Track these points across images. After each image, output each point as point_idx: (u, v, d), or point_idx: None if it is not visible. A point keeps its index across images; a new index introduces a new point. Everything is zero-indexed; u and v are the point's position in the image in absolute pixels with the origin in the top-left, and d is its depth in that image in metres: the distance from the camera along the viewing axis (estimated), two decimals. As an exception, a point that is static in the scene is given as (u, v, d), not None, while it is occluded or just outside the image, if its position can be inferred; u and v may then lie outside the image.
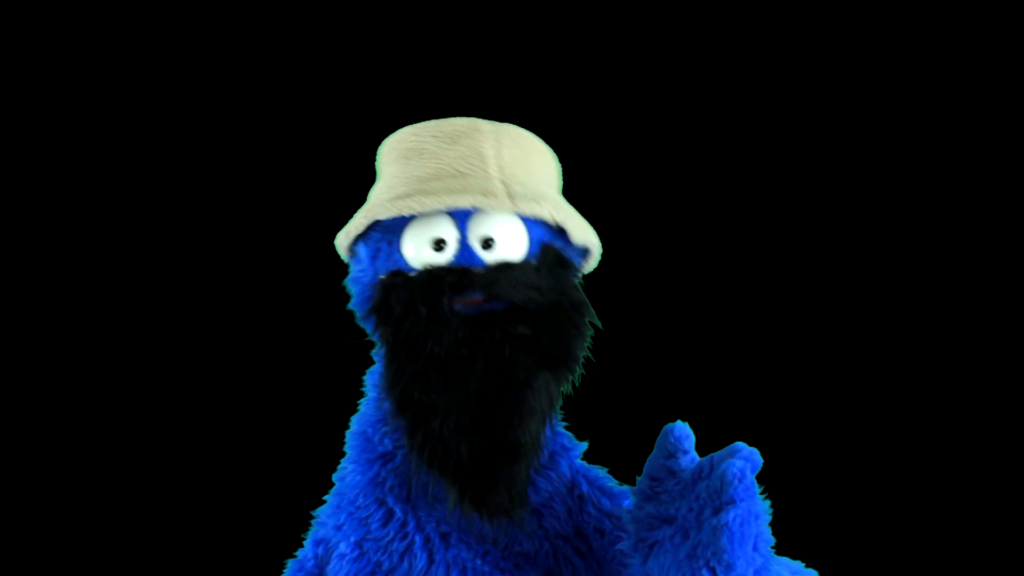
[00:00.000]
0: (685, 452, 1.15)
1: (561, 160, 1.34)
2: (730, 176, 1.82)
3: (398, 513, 1.23)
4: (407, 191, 1.21)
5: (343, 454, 1.30)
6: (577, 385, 1.23)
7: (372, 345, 1.28)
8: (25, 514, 1.78)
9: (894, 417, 1.78)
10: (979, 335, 1.77)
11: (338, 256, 1.32)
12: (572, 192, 1.34)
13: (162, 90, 1.82)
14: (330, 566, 1.27)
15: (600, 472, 1.29)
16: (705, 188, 1.81)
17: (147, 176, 1.83)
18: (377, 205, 1.23)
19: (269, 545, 1.45)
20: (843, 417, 1.78)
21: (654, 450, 1.17)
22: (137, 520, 1.78)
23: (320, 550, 1.29)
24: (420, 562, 1.21)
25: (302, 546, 1.32)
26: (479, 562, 1.22)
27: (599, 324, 1.24)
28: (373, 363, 1.28)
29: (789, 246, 1.80)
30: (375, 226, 1.25)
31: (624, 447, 1.32)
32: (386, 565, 1.23)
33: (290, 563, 1.32)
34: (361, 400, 1.29)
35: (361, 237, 1.26)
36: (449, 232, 1.21)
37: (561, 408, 1.24)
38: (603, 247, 1.31)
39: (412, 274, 1.21)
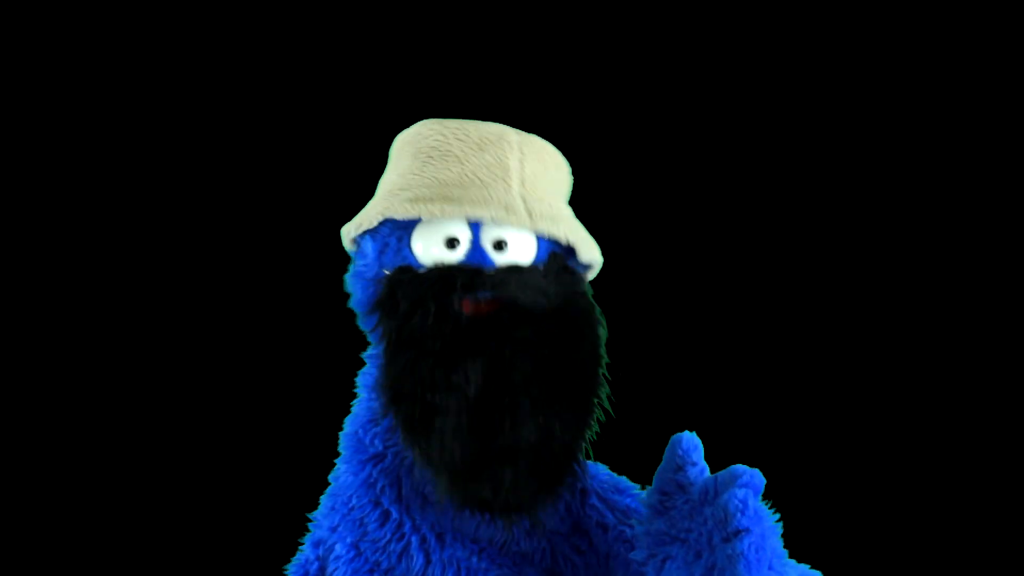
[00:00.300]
0: (694, 464, 1.14)
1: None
2: (734, 181, 1.82)
3: (394, 514, 1.23)
4: (428, 194, 1.21)
5: (338, 455, 1.29)
6: (608, 391, 1.23)
7: (364, 347, 1.28)
8: (20, 514, 1.78)
9: (900, 420, 1.77)
10: (981, 337, 1.77)
11: (331, 259, 1.32)
12: (575, 197, 1.35)
13: (165, 85, 1.83)
14: (328, 568, 1.26)
15: (602, 467, 1.28)
16: (707, 193, 1.82)
17: (144, 175, 1.83)
18: (395, 203, 1.22)
19: (264, 546, 1.46)
20: (848, 421, 1.78)
21: (663, 462, 1.17)
22: (132, 521, 1.78)
23: (320, 551, 1.29)
24: (417, 562, 1.22)
25: (299, 548, 1.31)
26: (475, 560, 1.22)
27: (606, 331, 1.25)
28: (366, 365, 1.28)
29: (794, 252, 1.80)
30: (386, 221, 1.24)
31: (627, 449, 1.32)
32: (384, 565, 1.23)
33: (291, 568, 1.31)
34: (354, 402, 1.29)
35: (370, 231, 1.26)
36: (463, 233, 1.22)
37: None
38: (605, 247, 1.31)
39: (421, 271, 1.21)
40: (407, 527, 1.22)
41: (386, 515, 1.23)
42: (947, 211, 1.78)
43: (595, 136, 1.79)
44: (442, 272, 1.20)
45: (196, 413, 1.80)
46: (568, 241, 1.24)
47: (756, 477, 1.08)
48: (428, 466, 1.18)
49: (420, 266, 1.22)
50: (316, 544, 1.29)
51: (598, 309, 1.26)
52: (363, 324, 1.26)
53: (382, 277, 1.23)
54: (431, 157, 1.24)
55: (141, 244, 1.81)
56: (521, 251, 1.23)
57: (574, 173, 1.34)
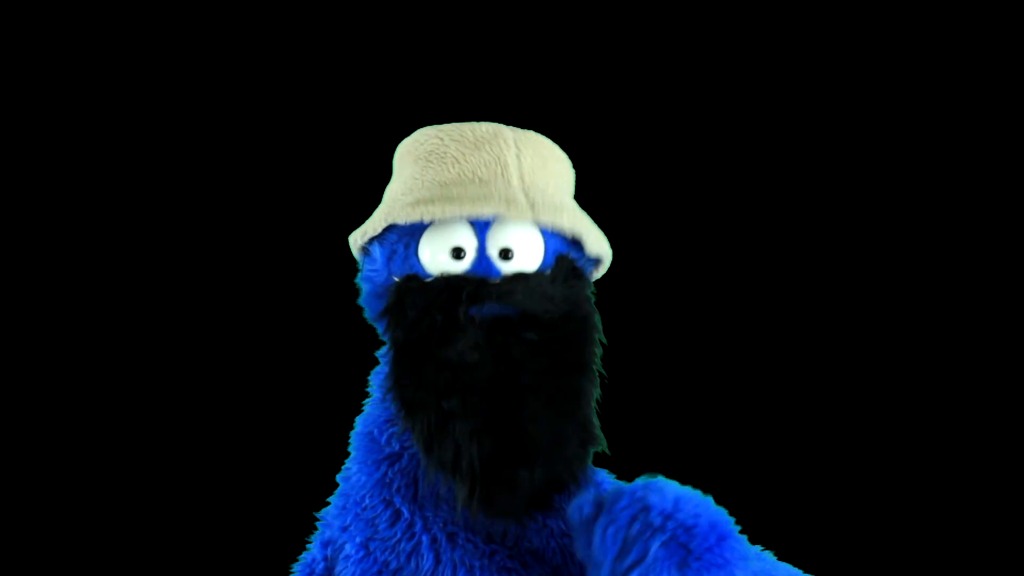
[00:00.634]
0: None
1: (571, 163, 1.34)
2: (740, 182, 1.82)
3: (405, 514, 1.23)
4: (429, 196, 1.22)
5: (346, 455, 1.29)
6: (597, 397, 1.24)
7: (378, 345, 1.28)
8: (30, 515, 1.77)
9: (902, 424, 1.78)
10: (981, 338, 1.78)
11: (344, 258, 1.32)
12: (581, 196, 1.35)
13: (170, 88, 1.82)
14: (337, 568, 1.26)
15: (605, 474, 1.28)
16: (715, 193, 1.82)
17: (151, 177, 1.83)
18: (397, 208, 1.23)
19: (271, 545, 1.45)
20: (850, 425, 1.78)
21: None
22: (139, 518, 1.78)
23: (329, 551, 1.29)
24: (427, 562, 1.21)
25: (305, 548, 1.32)
26: (486, 562, 1.21)
27: (604, 340, 1.26)
28: (378, 364, 1.28)
29: (796, 253, 1.81)
30: (392, 228, 1.25)
31: (629, 452, 1.32)
32: (393, 565, 1.23)
33: (296, 567, 1.31)
34: (365, 401, 1.29)
35: (376, 238, 1.26)
36: (468, 241, 1.22)
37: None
38: (613, 250, 1.31)
39: (428, 280, 1.22)
40: (418, 527, 1.22)
41: (397, 514, 1.23)
42: (950, 212, 1.79)
43: (598, 136, 1.79)
44: (448, 283, 1.20)
45: (205, 414, 1.79)
46: (574, 232, 1.24)
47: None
48: (444, 471, 1.19)
49: (427, 275, 1.22)
50: (325, 544, 1.29)
51: (598, 316, 1.26)
52: (377, 326, 1.27)
53: (391, 284, 1.23)
54: (430, 161, 1.25)
55: (156, 243, 1.81)
56: (527, 257, 1.23)
57: (578, 174, 1.34)
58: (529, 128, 1.30)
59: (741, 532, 1.15)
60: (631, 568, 1.08)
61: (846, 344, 1.79)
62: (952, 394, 1.77)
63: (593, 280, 1.31)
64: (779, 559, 1.26)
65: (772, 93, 1.81)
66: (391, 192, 1.29)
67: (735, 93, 1.82)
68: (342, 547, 1.26)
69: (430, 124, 1.30)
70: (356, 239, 1.28)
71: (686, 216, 1.81)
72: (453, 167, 1.23)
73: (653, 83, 1.82)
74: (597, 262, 1.31)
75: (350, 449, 1.29)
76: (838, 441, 1.77)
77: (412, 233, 1.23)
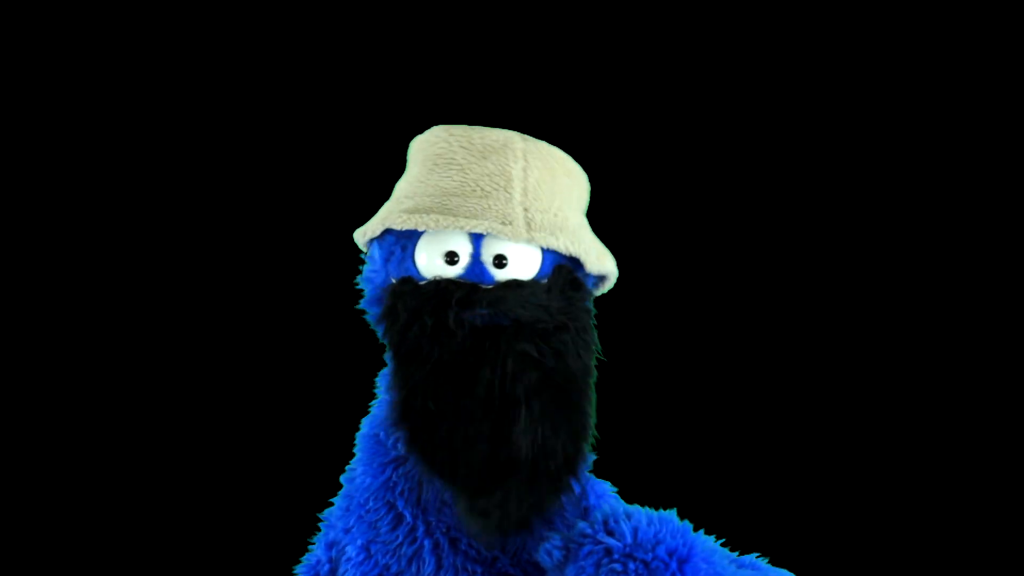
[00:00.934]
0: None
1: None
2: (743, 189, 1.82)
3: (408, 518, 1.23)
4: (427, 205, 1.21)
5: (351, 456, 1.29)
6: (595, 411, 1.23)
7: (382, 348, 1.27)
8: (31, 515, 1.78)
9: (902, 425, 1.78)
10: (981, 338, 1.78)
11: (348, 258, 1.32)
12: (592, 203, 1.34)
13: (175, 87, 1.83)
14: (339, 570, 1.27)
15: (607, 486, 1.28)
16: (719, 200, 1.82)
17: (160, 175, 1.83)
18: (394, 214, 1.22)
19: (275, 547, 1.45)
20: (850, 428, 1.78)
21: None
22: (143, 519, 1.78)
23: (333, 552, 1.29)
24: (428, 567, 1.21)
25: (308, 549, 1.32)
26: (488, 568, 1.22)
27: (600, 352, 1.25)
28: (385, 365, 1.27)
29: (798, 260, 1.81)
30: (390, 229, 1.24)
31: (629, 460, 1.33)
32: (394, 568, 1.23)
33: (300, 569, 1.32)
34: (372, 402, 1.29)
35: (376, 238, 1.26)
36: (463, 247, 1.21)
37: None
38: (617, 255, 1.30)
39: (421, 283, 1.21)
40: (420, 531, 1.22)
41: (399, 518, 1.23)
42: (953, 214, 1.79)
43: (611, 144, 1.78)
44: (439, 286, 1.20)
45: (211, 415, 1.80)
46: (570, 253, 1.22)
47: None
48: (438, 476, 1.19)
49: (421, 278, 1.22)
50: (330, 546, 1.29)
51: (594, 327, 1.24)
52: (376, 329, 1.26)
53: (388, 285, 1.23)
54: (436, 165, 1.24)
55: (163, 244, 1.82)
56: (523, 266, 1.21)
57: (591, 183, 1.32)
58: (541, 130, 1.28)
59: (728, 540, 1.17)
60: None
61: (846, 351, 1.79)
62: (951, 398, 1.77)
63: (598, 294, 1.30)
64: (774, 562, 1.27)
65: (774, 101, 1.81)
66: (397, 191, 1.29)
67: (743, 102, 1.81)
68: (344, 549, 1.26)
69: (442, 120, 1.29)
70: (359, 237, 1.28)
71: (688, 225, 1.81)
72: (457, 175, 1.22)
73: (665, 89, 1.82)
74: (601, 278, 1.29)
75: (355, 451, 1.28)
76: (835, 446, 1.77)
77: (409, 236, 1.23)
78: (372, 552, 1.24)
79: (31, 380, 1.80)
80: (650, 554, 1.11)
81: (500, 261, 1.21)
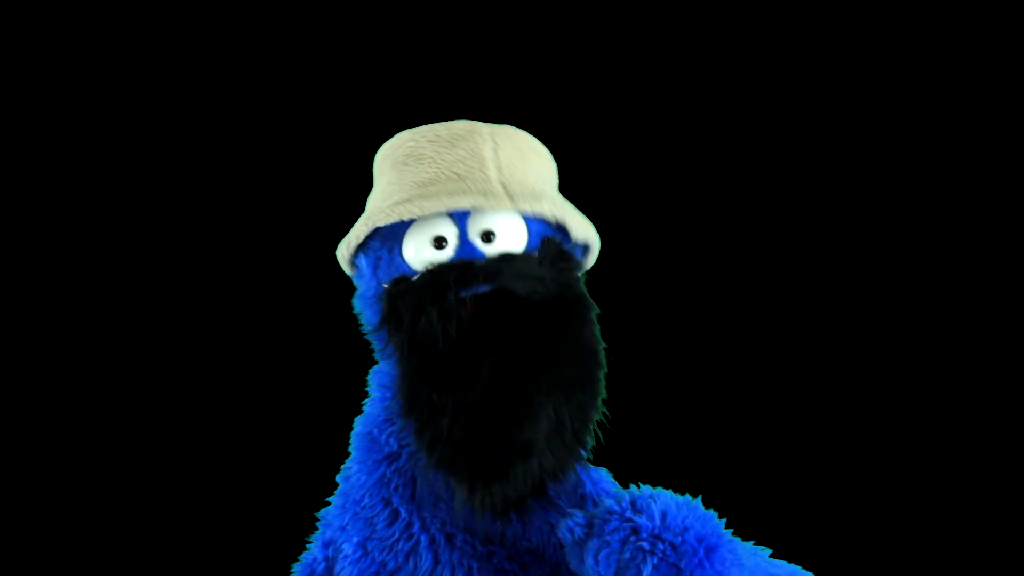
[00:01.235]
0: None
1: (557, 159, 1.33)
2: (727, 174, 1.82)
3: (403, 514, 1.22)
4: (406, 196, 1.21)
5: (346, 455, 1.29)
6: (602, 383, 1.23)
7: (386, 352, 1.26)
8: (31, 515, 1.78)
9: (900, 423, 1.78)
10: (981, 338, 1.78)
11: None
12: (568, 191, 1.34)
13: (161, 97, 1.83)
14: (336, 567, 1.26)
15: (604, 473, 1.28)
16: (702, 186, 1.81)
17: (154, 180, 1.83)
18: (376, 212, 1.22)
19: (271, 546, 1.45)
20: (845, 421, 1.78)
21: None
22: (141, 519, 1.78)
23: (329, 551, 1.29)
24: (425, 563, 1.21)
25: (306, 548, 1.32)
26: (484, 563, 1.21)
27: (598, 310, 1.24)
28: (376, 363, 1.28)
29: (788, 245, 1.81)
30: (375, 235, 1.24)
31: (626, 448, 1.32)
32: (391, 565, 1.22)
33: (297, 568, 1.32)
34: (365, 401, 1.29)
35: (361, 247, 1.26)
36: (449, 230, 1.21)
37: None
38: (602, 244, 1.31)
39: (415, 277, 1.21)
40: (416, 527, 1.22)
41: (395, 514, 1.22)
42: (947, 211, 1.79)
43: (588, 132, 1.79)
44: (434, 273, 1.19)
45: (205, 415, 1.80)
46: (555, 218, 1.23)
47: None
48: (443, 468, 1.18)
49: (414, 273, 1.21)
50: (326, 544, 1.29)
51: (588, 297, 1.24)
52: (375, 343, 1.26)
53: (382, 292, 1.23)
54: (407, 164, 1.24)
55: (156, 246, 1.82)
56: (511, 238, 1.22)
57: (570, 170, 1.33)
58: (515, 124, 1.29)
59: (734, 533, 1.15)
60: None
61: (840, 340, 1.79)
62: (949, 393, 1.77)
63: (586, 268, 1.30)
64: (774, 556, 1.26)
65: (762, 88, 1.81)
66: (372, 200, 1.29)
67: (722, 90, 1.82)
68: (340, 547, 1.26)
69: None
70: (343, 253, 1.28)
71: (675, 212, 1.81)
72: (430, 167, 1.23)
73: (638, 81, 1.82)
74: (586, 249, 1.30)
75: (350, 449, 1.28)
76: (834, 438, 1.77)
77: (394, 236, 1.23)
78: (369, 549, 1.24)
79: (30, 381, 1.80)
80: (679, 537, 1.10)
81: (488, 236, 1.21)
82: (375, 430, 1.25)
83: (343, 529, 1.26)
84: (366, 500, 1.24)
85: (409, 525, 1.22)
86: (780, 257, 1.80)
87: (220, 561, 1.73)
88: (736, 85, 1.82)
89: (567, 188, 1.34)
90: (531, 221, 1.23)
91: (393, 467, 1.23)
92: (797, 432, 1.77)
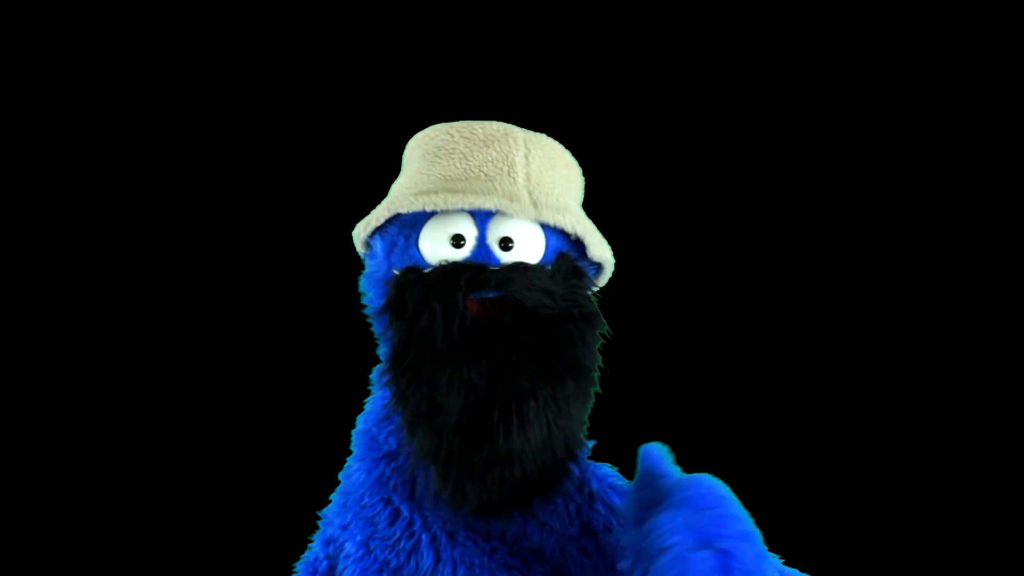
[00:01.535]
0: (665, 476, 1.14)
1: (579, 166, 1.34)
2: (742, 184, 1.82)
3: (404, 512, 1.23)
4: (433, 188, 1.21)
5: (349, 453, 1.29)
6: (596, 395, 1.24)
7: (378, 344, 1.27)
8: (31, 516, 1.78)
9: (901, 423, 1.77)
10: (981, 337, 1.77)
11: (346, 256, 1.32)
12: (588, 200, 1.35)
13: (175, 87, 1.83)
14: (338, 566, 1.26)
15: (609, 469, 1.28)
16: (717, 196, 1.82)
17: (157, 174, 1.83)
18: (400, 198, 1.23)
19: (275, 544, 1.46)
20: (847, 424, 1.78)
21: (635, 477, 1.17)
22: (144, 517, 1.78)
23: (331, 549, 1.29)
24: (427, 560, 1.21)
25: (308, 546, 1.32)
26: (486, 559, 1.21)
27: (609, 334, 1.25)
28: (380, 362, 1.27)
29: (795, 253, 1.81)
30: (394, 220, 1.25)
31: (630, 446, 1.32)
32: (393, 563, 1.23)
33: (300, 566, 1.32)
34: (367, 399, 1.29)
35: (379, 230, 1.26)
36: (468, 230, 1.22)
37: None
38: (616, 248, 1.31)
39: (427, 270, 1.21)
40: (417, 525, 1.22)
41: (396, 513, 1.23)
42: (948, 211, 1.78)
43: (607, 139, 1.79)
44: (446, 270, 1.19)
45: (208, 412, 1.80)
46: (576, 233, 1.23)
47: (709, 494, 1.09)
48: (428, 462, 1.18)
49: (427, 265, 1.22)
50: (327, 543, 1.29)
51: (601, 315, 1.25)
52: (376, 325, 1.26)
53: (391, 277, 1.23)
54: (438, 156, 1.24)
55: (159, 243, 1.82)
56: (528, 248, 1.22)
57: (587, 177, 1.33)
58: (540, 129, 1.29)
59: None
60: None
61: (845, 345, 1.79)
62: (949, 393, 1.77)
63: (598, 286, 1.30)
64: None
65: (774, 96, 1.81)
66: (397, 186, 1.29)
67: (740, 98, 1.81)
68: (343, 545, 1.27)
69: (438, 122, 1.29)
70: (359, 232, 1.28)
71: (689, 220, 1.81)
72: (460, 163, 1.23)
73: (663, 87, 1.82)
74: (599, 268, 1.30)
75: (351, 447, 1.29)
76: (837, 440, 1.77)
77: (413, 225, 1.23)
78: (371, 548, 1.24)
79: (29, 381, 1.80)
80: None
81: (506, 244, 1.22)
82: (374, 428, 1.26)
83: (345, 528, 1.27)
84: (366, 499, 1.24)
85: (410, 523, 1.23)
86: (782, 261, 1.80)
87: (222, 560, 1.74)
88: (748, 96, 1.82)
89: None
90: (550, 234, 1.24)
91: (392, 466, 1.24)
92: (797, 432, 1.77)
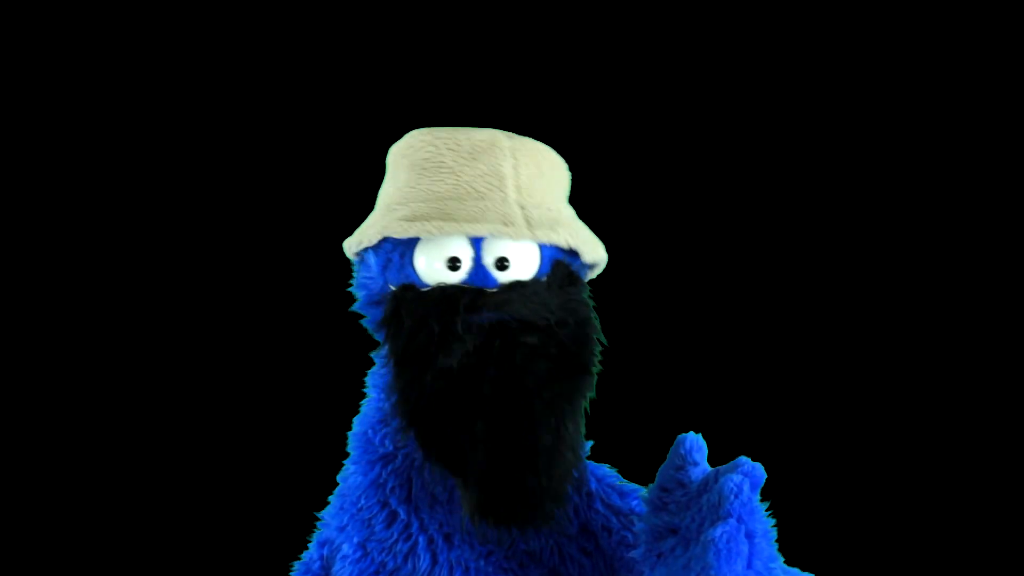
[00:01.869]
0: (695, 464, 1.14)
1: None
2: (734, 181, 1.82)
3: (402, 514, 1.23)
4: (426, 211, 1.21)
5: (346, 455, 1.29)
6: (592, 397, 1.24)
7: (372, 346, 1.27)
8: (30, 516, 1.79)
9: (900, 421, 1.77)
10: (980, 337, 1.77)
11: (338, 259, 1.32)
12: (574, 197, 1.34)
13: (166, 91, 1.83)
14: (334, 567, 1.27)
15: (608, 470, 1.29)
16: (709, 193, 1.81)
17: (152, 178, 1.84)
18: (392, 222, 1.22)
19: (273, 546, 1.46)
20: (850, 423, 1.78)
21: (666, 460, 1.17)
22: (141, 519, 1.79)
23: (325, 551, 1.29)
24: (424, 563, 1.22)
25: (306, 548, 1.32)
26: (482, 563, 1.22)
27: (604, 341, 1.25)
28: (374, 364, 1.28)
29: (794, 251, 1.80)
30: (387, 239, 1.24)
31: (630, 446, 1.33)
32: (390, 566, 1.23)
33: (296, 565, 1.32)
34: (363, 401, 1.29)
35: (371, 245, 1.26)
36: (464, 252, 1.21)
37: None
38: (611, 244, 1.31)
39: (424, 289, 1.21)
40: (414, 527, 1.22)
41: (393, 515, 1.23)
42: (947, 211, 1.78)
43: (592, 137, 1.78)
44: (444, 292, 1.20)
45: (206, 413, 1.80)
46: (570, 245, 1.24)
47: (757, 471, 1.07)
48: (454, 476, 1.19)
49: (423, 284, 1.22)
50: (322, 544, 1.29)
51: (596, 317, 1.25)
52: (376, 336, 1.26)
53: (388, 292, 1.23)
54: (425, 169, 1.24)
55: (155, 245, 1.83)
56: (524, 266, 1.22)
57: (572, 174, 1.32)
58: (521, 128, 1.29)
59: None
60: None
61: (843, 346, 1.79)
62: (948, 397, 1.77)
63: (588, 280, 1.30)
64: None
65: (766, 95, 1.81)
66: (385, 198, 1.28)
67: (728, 95, 1.81)
68: (339, 547, 1.27)
69: (424, 125, 1.29)
70: (350, 246, 1.28)
71: (680, 217, 1.81)
72: (449, 178, 1.22)
73: (646, 83, 1.82)
74: (591, 267, 1.30)
75: (348, 449, 1.29)
76: (836, 440, 1.77)
77: (407, 242, 1.23)
78: (368, 550, 1.25)
79: (28, 381, 1.81)
80: None
81: (502, 264, 1.22)
82: (370, 431, 1.26)
83: (341, 530, 1.27)
84: (362, 501, 1.25)
85: (407, 526, 1.23)
86: (782, 262, 1.80)
87: (221, 560, 1.74)
88: (740, 92, 1.82)
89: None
90: (545, 246, 1.23)
91: (389, 468, 1.24)
92: (798, 433, 1.77)
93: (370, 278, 1.25)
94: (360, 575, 1.24)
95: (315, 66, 1.83)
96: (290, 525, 1.38)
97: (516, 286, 1.21)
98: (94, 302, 1.82)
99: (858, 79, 1.80)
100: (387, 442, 1.24)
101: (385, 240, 1.24)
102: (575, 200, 1.33)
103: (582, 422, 1.23)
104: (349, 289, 1.28)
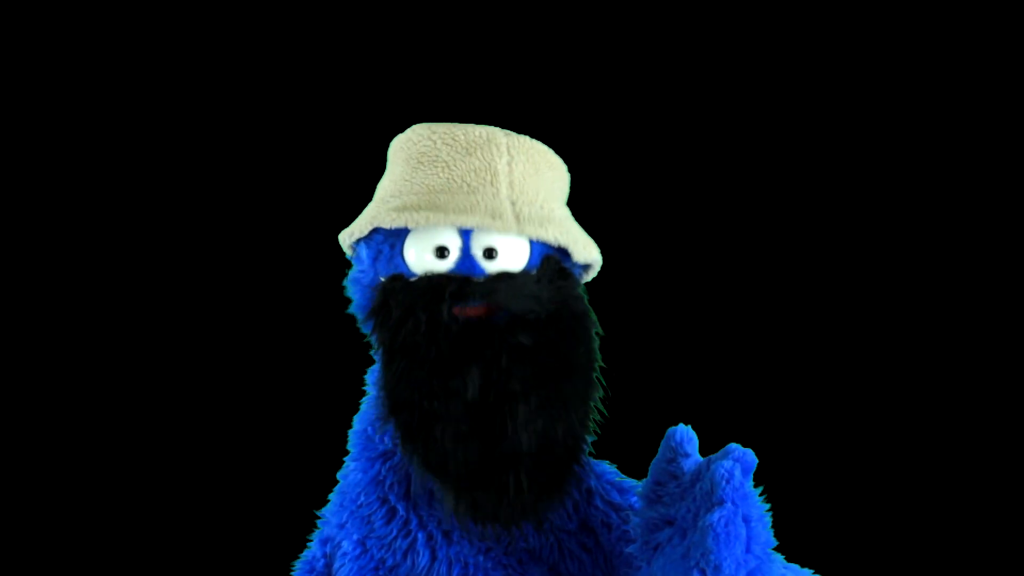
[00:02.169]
0: (687, 455, 1.15)
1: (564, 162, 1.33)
2: (732, 180, 1.82)
3: (401, 511, 1.24)
4: (416, 202, 1.21)
5: (347, 452, 1.30)
6: (601, 396, 1.24)
7: (372, 345, 1.27)
8: (30, 516, 1.79)
9: (897, 418, 1.78)
10: (979, 336, 1.77)
11: (339, 255, 1.33)
12: (573, 197, 1.34)
13: (165, 86, 1.83)
14: (335, 564, 1.27)
15: (607, 466, 1.29)
16: (707, 192, 1.82)
17: (150, 175, 1.84)
18: (383, 212, 1.23)
19: (274, 544, 1.46)
20: (845, 418, 1.78)
21: (658, 453, 1.17)
22: (143, 517, 1.79)
23: (328, 548, 1.30)
24: (423, 559, 1.22)
25: (307, 546, 1.32)
26: (481, 559, 1.22)
27: (601, 332, 1.25)
28: (374, 362, 1.27)
29: (791, 249, 1.81)
30: (377, 229, 1.25)
31: (628, 442, 1.32)
32: (389, 562, 1.23)
33: (298, 564, 1.32)
34: (363, 399, 1.30)
35: (363, 238, 1.26)
36: (452, 241, 1.22)
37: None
38: (609, 242, 1.31)
39: (412, 279, 1.22)
40: (413, 524, 1.23)
41: (393, 512, 1.24)
42: (947, 211, 1.78)
43: (593, 137, 1.78)
44: (431, 281, 1.20)
45: (207, 411, 1.80)
46: (559, 243, 1.23)
47: (747, 456, 1.08)
48: (430, 472, 1.19)
49: (412, 274, 1.22)
50: (324, 542, 1.30)
51: (592, 312, 1.25)
52: (364, 329, 1.27)
53: (378, 284, 1.24)
54: (421, 163, 1.24)
55: (156, 244, 1.83)
56: (512, 258, 1.22)
57: (572, 174, 1.33)
58: (524, 128, 1.29)
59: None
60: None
61: (840, 345, 1.79)
62: (939, 386, 1.77)
63: (583, 282, 1.30)
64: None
65: (764, 96, 1.81)
66: (380, 191, 1.29)
67: (726, 95, 1.82)
68: (339, 544, 1.27)
69: (425, 120, 1.29)
70: (344, 239, 1.28)
71: (678, 217, 1.81)
72: (443, 172, 1.23)
73: (647, 84, 1.82)
74: (585, 268, 1.30)
75: (348, 447, 1.29)
76: (836, 440, 1.78)
77: (397, 234, 1.23)
78: (368, 547, 1.25)
79: (27, 381, 1.81)
80: None
81: (490, 253, 1.22)
82: (370, 428, 1.26)
83: (341, 527, 1.27)
84: (362, 498, 1.25)
85: (407, 522, 1.23)
86: (781, 262, 1.80)
87: (221, 560, 1.74)
88: (739, 91, 1.82)
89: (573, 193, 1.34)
90: (534, 242, 1.23)
91: (388, 465, 1.25)
92: (798, 433, 1.77)
93: (362, 271, 1.26)
94: (360, 572, 1.24)
95: (319, 63, 1.83)
96: (291, 523, 1.39)
97: (504, 276, 1.21)
98: (94, 301, 1.82)
99: (857, 79, 1.80)
100: (386, 439, 1.25)
101: (376, 232, 1.24)
102: (575, 200, 1.33)
103: (586, 420, 1.23)
104: (344, 283, 1.29)
